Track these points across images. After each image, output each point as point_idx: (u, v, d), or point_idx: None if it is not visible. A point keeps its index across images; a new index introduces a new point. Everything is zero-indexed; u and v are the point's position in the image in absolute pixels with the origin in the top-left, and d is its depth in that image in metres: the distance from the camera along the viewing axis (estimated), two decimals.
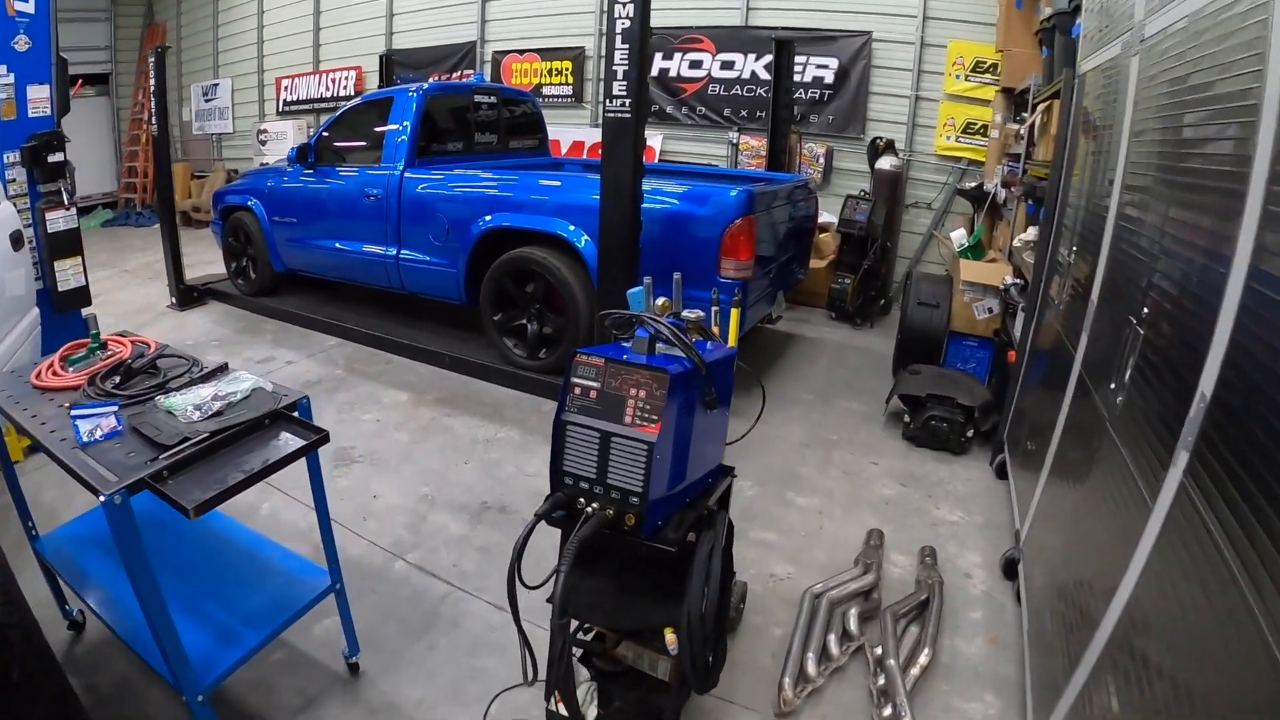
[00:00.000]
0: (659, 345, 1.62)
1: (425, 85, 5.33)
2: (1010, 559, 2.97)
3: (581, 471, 1.53)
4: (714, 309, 2.12)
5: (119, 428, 1.84)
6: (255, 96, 11.17)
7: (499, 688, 2.24)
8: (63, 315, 3.83)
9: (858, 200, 6.51)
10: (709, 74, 7.86)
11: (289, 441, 1.82)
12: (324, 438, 1.82)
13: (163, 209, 6.25)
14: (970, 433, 4.13)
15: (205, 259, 6.92)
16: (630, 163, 3.52)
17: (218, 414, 1.86)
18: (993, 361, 5.02)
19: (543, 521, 1.60)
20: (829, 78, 7.42)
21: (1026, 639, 2.40)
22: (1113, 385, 1.99)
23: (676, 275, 2.32)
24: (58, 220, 3.70)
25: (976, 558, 3.17)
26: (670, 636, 1.68)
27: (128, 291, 6.83)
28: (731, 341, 2.05)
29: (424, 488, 3.45)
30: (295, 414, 1.93)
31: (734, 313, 2.10)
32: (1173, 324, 1.64)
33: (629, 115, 3.47)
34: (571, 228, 4.32)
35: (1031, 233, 4.31)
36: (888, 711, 2.22)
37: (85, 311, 3.98)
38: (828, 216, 6.91)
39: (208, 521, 2.52)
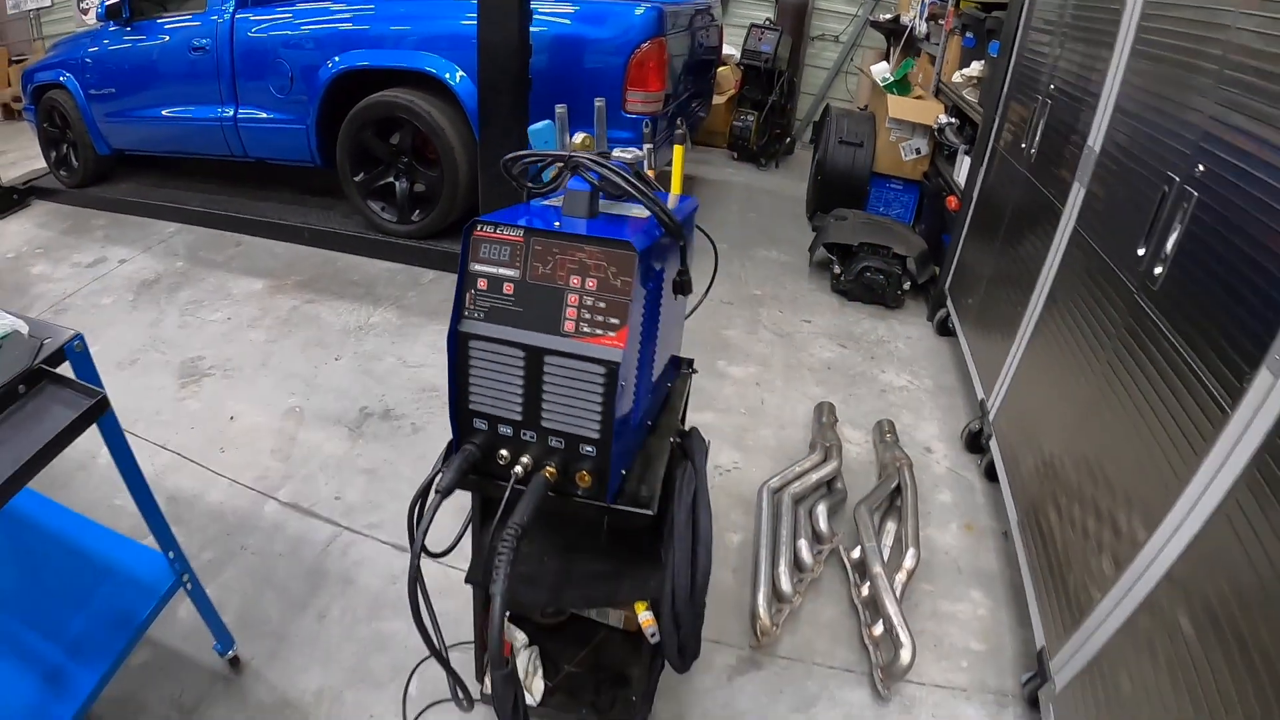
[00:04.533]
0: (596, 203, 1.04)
1: None
2: (974, 432, 2.66)
3: (500, 411, 0.97)
4: (647, 147, 1.54)
5: None
6: None
7: (412, 658, 1.75)
8: None
9: (763, 30, 5.85)
10: None
11: (54, 417, 1.15)
12: (101, 403, 1.17)
13: None
14: (906, 285, 3.77)
15: (32, 153, 5.60)
16: None
17: None
18: (919, 206, 4.68)
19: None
20: None
21: (1016, 530, 2.09)
22: (1142, 251, 1.62)
23: (599, 101, 1.74)
24: None
25: (934, 428, 2.86)
26: (645, 617, 1.20)
27: None
28: (675, 189, 1.48)
29: (290, 398, 2.79)
30: (67, 365, 1.26)
31: (677, 151, 1.54)
32: (1253, 193, 1.23)
33: None
34: (441, 62, 3.53)
35: (975, 68, 3.90)
36: (879, 629, 1.87)
37: None
38: (728, 49, 6.22)
39: (14, 505, 1.83)
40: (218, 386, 2.86)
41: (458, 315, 0.97)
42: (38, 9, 9.45)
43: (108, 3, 4.46)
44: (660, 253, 1.02)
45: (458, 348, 0.97)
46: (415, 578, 0.87)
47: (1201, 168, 1.43)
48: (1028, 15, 2.93)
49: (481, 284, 0.95)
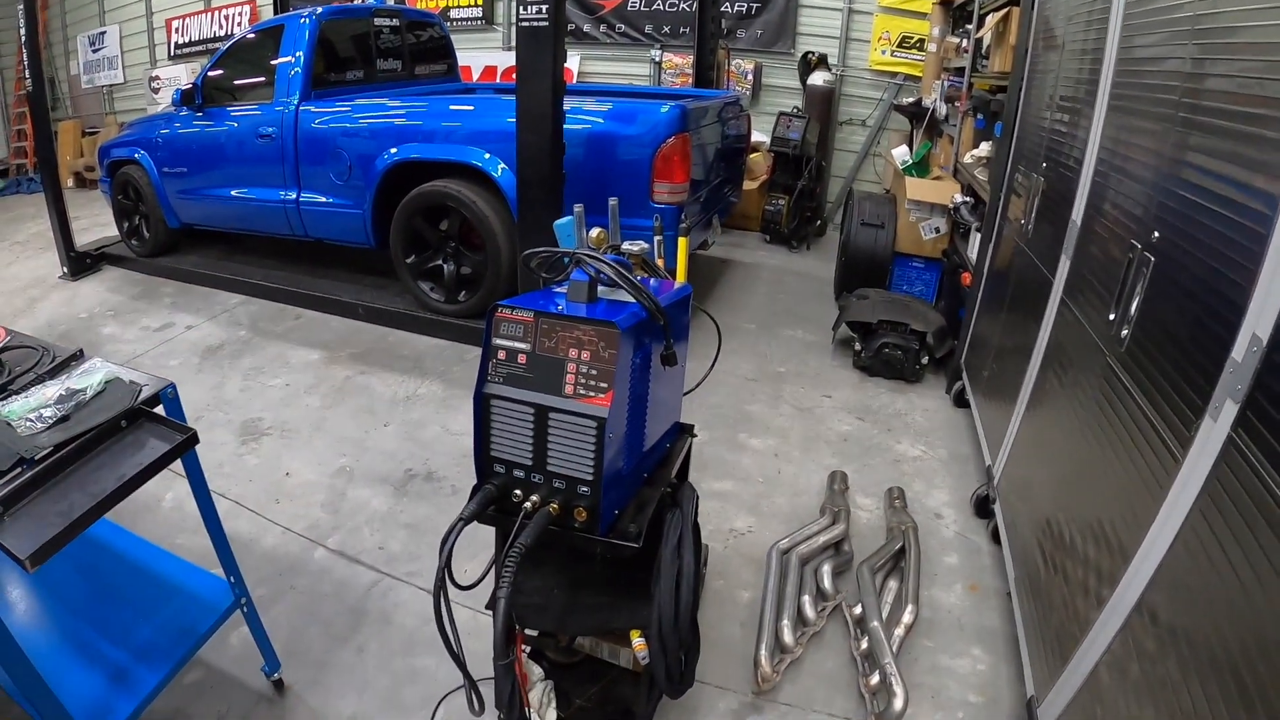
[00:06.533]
0: (600, 289, 1.28)
1: (318, 10, 4.71)
2: (982, 497, 2.78)
3: (514, 457, 1.20)
4: (656, 239, 1.78)
5: None
6: (145, 42, 10.00)
7: (441, 690, 1.94)
8: None
9: (790, 118, 6.17)
10: None
11: (150, 447, 1.42)
12: (191, 438, 1.44)
13: (45, 171, 5.49)
14: (925, 360, 3.92)
15: (101, 221, 6.20)
16: (549, 78, 3.09)
17: (63, 420, 1.43)
18: (940, 283, 4.84)
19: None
20: None
21: (1014, 586, 2.20)
22: (1113, 316, 1.76)
23: (613, 201, 1.97)
24: None
25: (945, 495, 2.98)
26: (639, 642, 1.39)
27: (18, 265, 6.04)
28: (680, 277, 1.71)
29: (341, 458, 3.06)
30: (160, 407, 1.54)
31: (681, 243, 1.78)
32: (1198, 256, 1.39)
33: (546, 23, 3.02)
34: (486, 156, 3.89)
35: (984, 148, 4.06)
36: (875, 679, 2.00)
37: None
38: (759, 136, 6.57)
39: (94, 531, 2.13)
40: (275, 445, 3.15)
41: (482, 379, 1.20)
42: (110, 85, 10.39)
43: (182, 89, 4.94)
44: (648, 330, 1.25)
45: (481, 406, 1.20)
46: (441, 584, 1.08)
47: (1157, 234, 1.58)
48: (1025, 97, 3.07)
49: (501, 355, 1.19)
